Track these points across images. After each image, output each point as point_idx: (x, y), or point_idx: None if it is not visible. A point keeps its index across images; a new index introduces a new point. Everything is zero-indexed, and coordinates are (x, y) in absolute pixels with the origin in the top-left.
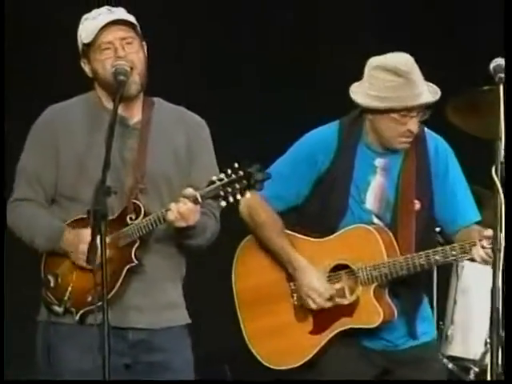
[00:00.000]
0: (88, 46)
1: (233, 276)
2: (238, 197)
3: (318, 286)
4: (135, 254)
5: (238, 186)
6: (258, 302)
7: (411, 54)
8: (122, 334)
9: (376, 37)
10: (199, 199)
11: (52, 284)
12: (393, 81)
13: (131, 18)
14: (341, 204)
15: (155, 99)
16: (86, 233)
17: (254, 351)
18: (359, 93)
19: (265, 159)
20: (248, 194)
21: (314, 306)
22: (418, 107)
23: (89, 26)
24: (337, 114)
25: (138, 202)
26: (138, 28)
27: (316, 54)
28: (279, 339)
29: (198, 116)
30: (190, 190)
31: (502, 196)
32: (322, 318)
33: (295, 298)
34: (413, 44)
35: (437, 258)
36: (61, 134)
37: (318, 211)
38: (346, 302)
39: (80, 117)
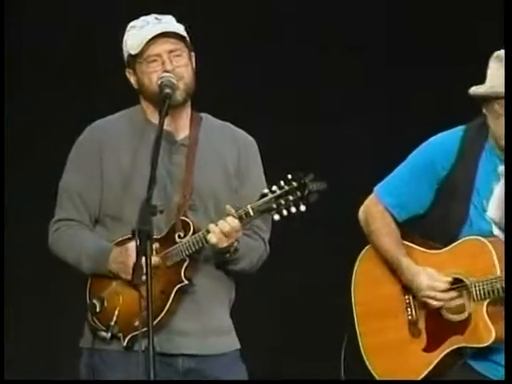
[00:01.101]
0: (134, 56)
1: (352, 286)
2: (293, 210)
3: (428, 282)
4: (185, 274)
5: (291, 197)
6: (374, 317)
7: None
8: (170, 361)
9: None
10: (251, 212)
11: (98, 308)
12: (499, 68)
13: (180, 30)
14: (461, 212)
15: (203, 115)
16: (134, 249)
17: (370, 367)
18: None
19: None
20: (303, 207)
21: (436, 304)
22: None
23: (136, 36)
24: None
25: (186, 219)
26: (188, 39)
27: None
28: (394, 356)
29: (246, 132)
30: (228, 207)
31: None
32: (435, 335)
33: (409, 313)
34: None
35: None
36: (104, 152)
37: (440, 220)
38: (457, 318)
39: (124, 132)
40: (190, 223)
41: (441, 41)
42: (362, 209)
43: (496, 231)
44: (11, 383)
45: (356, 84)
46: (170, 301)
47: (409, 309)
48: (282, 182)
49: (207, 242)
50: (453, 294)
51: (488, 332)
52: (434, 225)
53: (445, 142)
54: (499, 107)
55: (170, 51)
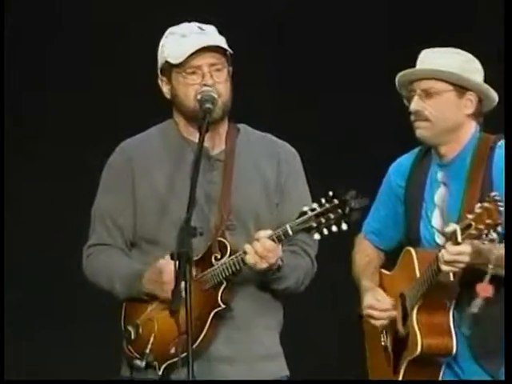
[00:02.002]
0: (172, 65)
1: None
2: (334, 229)
3: (370, 301)
4: (222, 298)
5: (332, 215)
6: (370, 339)
7: None
8: None
9: None
10: (289, 232)
11: (133, 336)
12: None
13: (223, 43)
14: (415, 227)
15: (240, 126)
16: (167, 264)
17: None
18: None
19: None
20: (345, 226)
21: (375, 322)
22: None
23: (177, 44)
24: None
25: (223, 240)
26: (229, 53)
27: None
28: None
29: (289, 144)
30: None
31: None
32: (396, 354)
33: (382, 338)
34: None
35: None
36: (136, 172)
37: (407, 240)
38: (403, 333)
39: (157, 150)
40: (227, 244)
41: None
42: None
43: (439, 239)
44: (11, 383)
45: None
46: (207, 327)
47: (382, 334)
48: (322, 200)
49: (245, 263)
50: (392, 312)
51: (415, 341)
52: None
53: (400, 161)
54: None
55: (212, 65)
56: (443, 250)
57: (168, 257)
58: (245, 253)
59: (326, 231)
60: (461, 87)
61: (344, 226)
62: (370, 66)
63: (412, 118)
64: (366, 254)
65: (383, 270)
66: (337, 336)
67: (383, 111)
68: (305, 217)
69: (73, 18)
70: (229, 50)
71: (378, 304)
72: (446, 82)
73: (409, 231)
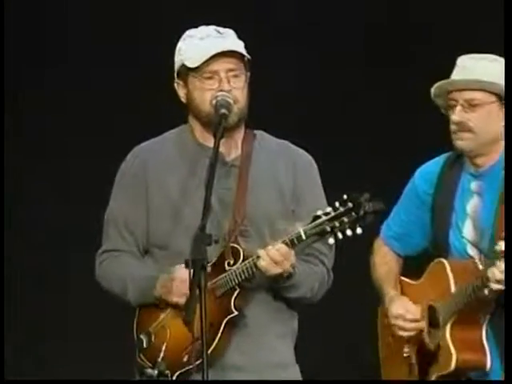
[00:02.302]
0: (188, 69)
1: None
2: (348, 233)
3: (399, 311)
4: (235, 304)
5: (346, 219)
6: (386, 346)
7: None
8: None
9: None
10: (303, 236)
11: (145, 344)
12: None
13: (241, 48)
14: (444, 237)
15: (257, 132)
16: (180, 269)
17: None
18: None
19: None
20: (359, 230)
21: (403, 333)
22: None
23: (195, 47)
24: None
25: (236, 246)
26: (247, 59)
27: None
28: None
29: (305, 151)
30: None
31: None
32: (422, 367)
33: (405, 349)
34: None
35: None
36: (149, 177)
37: (434, 248)
38: (432, 346)
39: (170, 155)
40: (240, 250)
41: None
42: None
43: (471, 251)
44: (11, 383)
45: None
46: (220, 334)
47: (405, 345)
48: (336, 203)
49: (257, 268)
50: (422, 324)
51: (449, 357)
52: (434, 254)
53: (428, 168)
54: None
55: (229, 70)
56: (494, 269)
57: (182, 264)
58: (258, 257)
59: (340, 235)
60: (501, 97)
61: (359, 230)
62: None
63: (453, 128)
64: (386, 259)
65: (405, 279)
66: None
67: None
68: (318, 221)
69: (86, 25)
70: (247, 55)
71: (407, 314)
72: (489, 92)
73: (436, 239)
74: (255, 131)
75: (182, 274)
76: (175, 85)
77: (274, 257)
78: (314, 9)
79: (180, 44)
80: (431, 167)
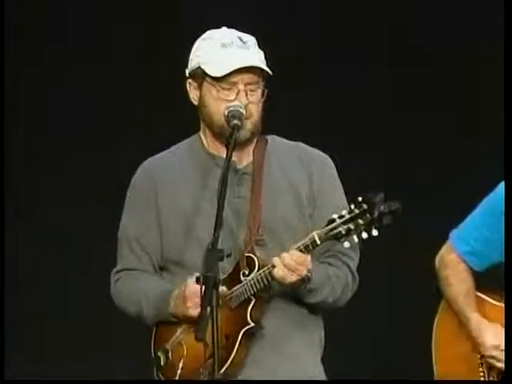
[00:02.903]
0: (205, 73)
1: (432, 340)
2: (364, 235)
3: (494, 342)
4: (251, 315)
5: (361, 221)
6: (452, 377)
7: None
8: None
9: None
10: (317, 241)
11: (162, 362)
12: None
13: (264, 63)
14: None
15: (269, 137)
16: (190, 286)
17: None
18: None
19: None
20: (375, 232)
21: (500, 366)
22: None
23: (216, 54)
24: None
25: (251, 255)
26: (267, 73)
27: None
28: None
29: (321, 151)
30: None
31: None
32: None
33: (481, 372)
34: None
35: None
36: (160, 190)
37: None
38: None
39: (182, 167)
40: (255, 259)
41: None
42: (437, 257)
43: None
44: (11, 383)
45: None
46: (237, 347)
47: (480, 368)
48: (352, 205)
49: (272, 278)
50: None
51: None
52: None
53: None
54: None
55: (248, 83)
56: None
57: (192, 279)
58: (273, 266)
59: (355, 238)
60: None
61: (374, 232)
62: None
63: None
64: (463, 277)
65: (488, 298)
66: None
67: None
68: (333, 224)
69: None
70: (269, 71)
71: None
72: None
73: None
74: (267, 136)
75: (193, 287)
76: (187, 84)
77: (289, 265)
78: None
79: (198, 44)
80: None
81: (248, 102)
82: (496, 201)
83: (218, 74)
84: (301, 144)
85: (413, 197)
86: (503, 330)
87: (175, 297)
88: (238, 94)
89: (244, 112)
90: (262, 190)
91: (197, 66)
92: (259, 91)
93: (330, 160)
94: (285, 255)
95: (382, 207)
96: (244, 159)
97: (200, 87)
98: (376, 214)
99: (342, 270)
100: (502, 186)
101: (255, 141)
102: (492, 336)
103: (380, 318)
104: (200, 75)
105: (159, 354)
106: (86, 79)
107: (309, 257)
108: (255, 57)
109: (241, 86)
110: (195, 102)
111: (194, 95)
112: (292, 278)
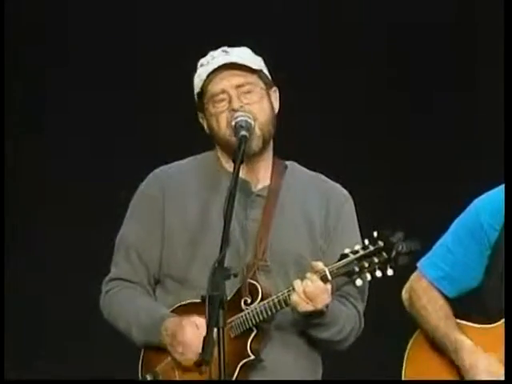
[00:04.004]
0: (200, 97)
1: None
2: (378, 274)
3: (491, 368)
4: (251, 347)
5: (376, 259)
6: None
7: None
8: None
9: None
10: (328, 276)
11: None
12: None
13: (250, 61)
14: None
15: (288, 163)
16: (188, 323)
17: None
18: None
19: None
20: (390, 271)
21: None
22: None
23: (201, 72)
24: None
25: (254, 283)
26: (264, 71)
27: None
28: None
29: (341, 186)
30: (320, 264)
31: None
32: None
33: None
34: None
35: None
36: (167, 201)
37: (496, 289)
38: None
39: (192, 180)
40: (259, 287)
41: None
42: (404, 289)
43: None
44: (11, 383)
45: None
46: (234, 379)
47: None
48: (366, 241)
49: (287, 304)
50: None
51: None
52: (489, 296)
53: (491, 202)
54: None
55: (238, 86)
56: None
57: (192, 318)
58: (293, 289)
59: (368, 276)
60: None
61: (389, 272)
62: None
63: None
64: (439, 304)
65: (466, 322)
66: None
67: None
68: (346, 260)
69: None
70: (251, 66)
71: (500, 370)
72: None
73: (500, 279)
74: (287, 162)
75: (189, 332)
76: (200, 119)
77: (309, 291)
78: None
79: (195, 76)
80: (496, 198)
81: (242, 104)
82: (473, 219)
83: (200, 86)
84: (321, 176)
85: None
86: (497, 362)
87: (167, 328)
88: (230, 101)
89: (252, 122)
90: (273, 214)
91: (196, 95)
92: (257, 90)
93: (350, 198)
94: (307, 281)
95: (401, 247)
96: (260, 182)
97: (205, 115)
98: (394, 253)
99: (351, 311)
100: (475, 205)
101: (273, 164)
102: (487, 361)
103: None
104: (200, 103)
105: (147, 376)
106: (86, 102)
107: (329, 288)
108: (233, 58)
109: (232, 92)
110: (208, 132)
111: (206, 126)
112: (307, 307)
